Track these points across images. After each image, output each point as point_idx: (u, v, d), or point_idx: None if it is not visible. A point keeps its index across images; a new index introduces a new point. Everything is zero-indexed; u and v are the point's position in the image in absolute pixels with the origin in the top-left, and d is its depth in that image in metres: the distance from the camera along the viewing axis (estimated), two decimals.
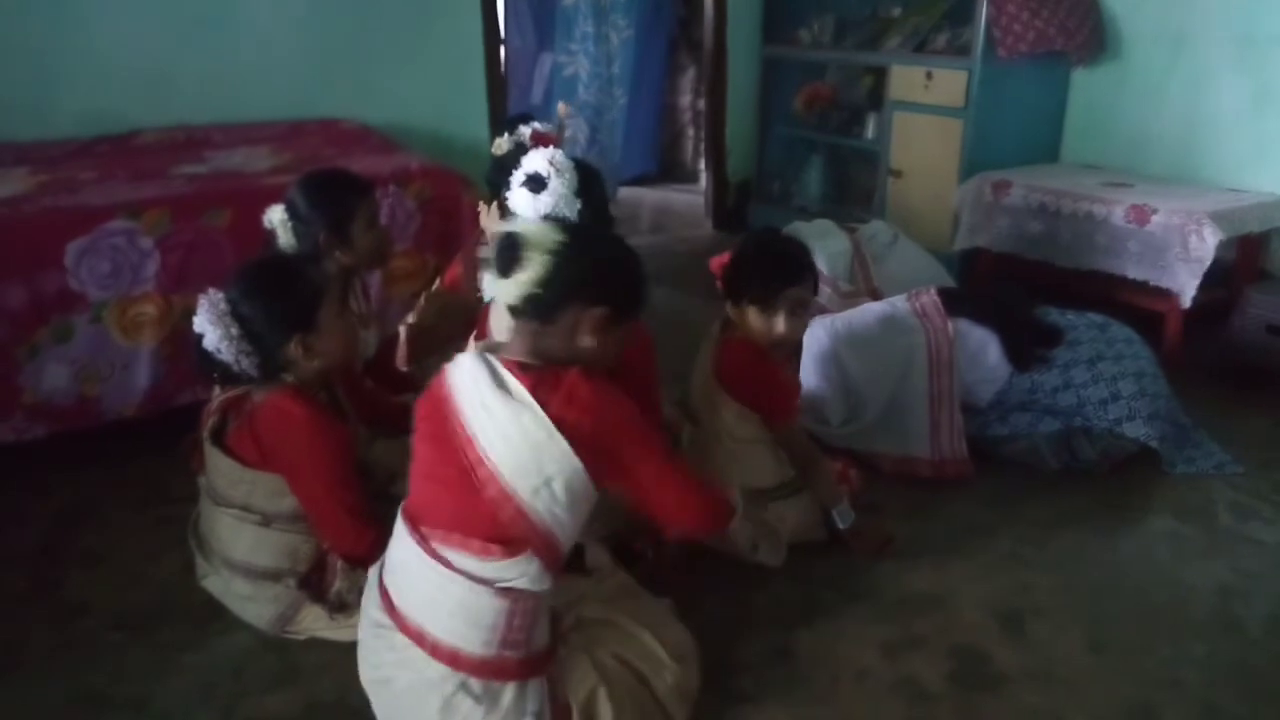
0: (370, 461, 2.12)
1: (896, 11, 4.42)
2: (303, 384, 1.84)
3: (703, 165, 5.54)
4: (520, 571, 1.46)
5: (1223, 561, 2.20)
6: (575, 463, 1.45)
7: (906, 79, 4.11)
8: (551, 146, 2.01)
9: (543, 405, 1.44)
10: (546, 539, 1.48)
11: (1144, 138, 3.83)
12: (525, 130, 2.45)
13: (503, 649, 1.47)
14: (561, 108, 2.06)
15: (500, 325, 1.92)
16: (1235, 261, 3.35)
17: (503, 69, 4.70)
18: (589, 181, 1.90)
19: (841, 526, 2.18)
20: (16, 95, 3.47)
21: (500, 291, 1.48)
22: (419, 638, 1.48)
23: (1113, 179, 3.64)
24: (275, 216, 2.20)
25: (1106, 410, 2.49)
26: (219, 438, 1.86)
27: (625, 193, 5.91)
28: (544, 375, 1.48)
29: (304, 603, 1.85)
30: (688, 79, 6.22)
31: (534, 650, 1.51)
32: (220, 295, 1.80)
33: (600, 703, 1.53)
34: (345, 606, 1.84)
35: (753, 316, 2.10)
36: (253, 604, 1.86)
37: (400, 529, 1.55)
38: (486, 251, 1.51)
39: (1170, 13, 3.65)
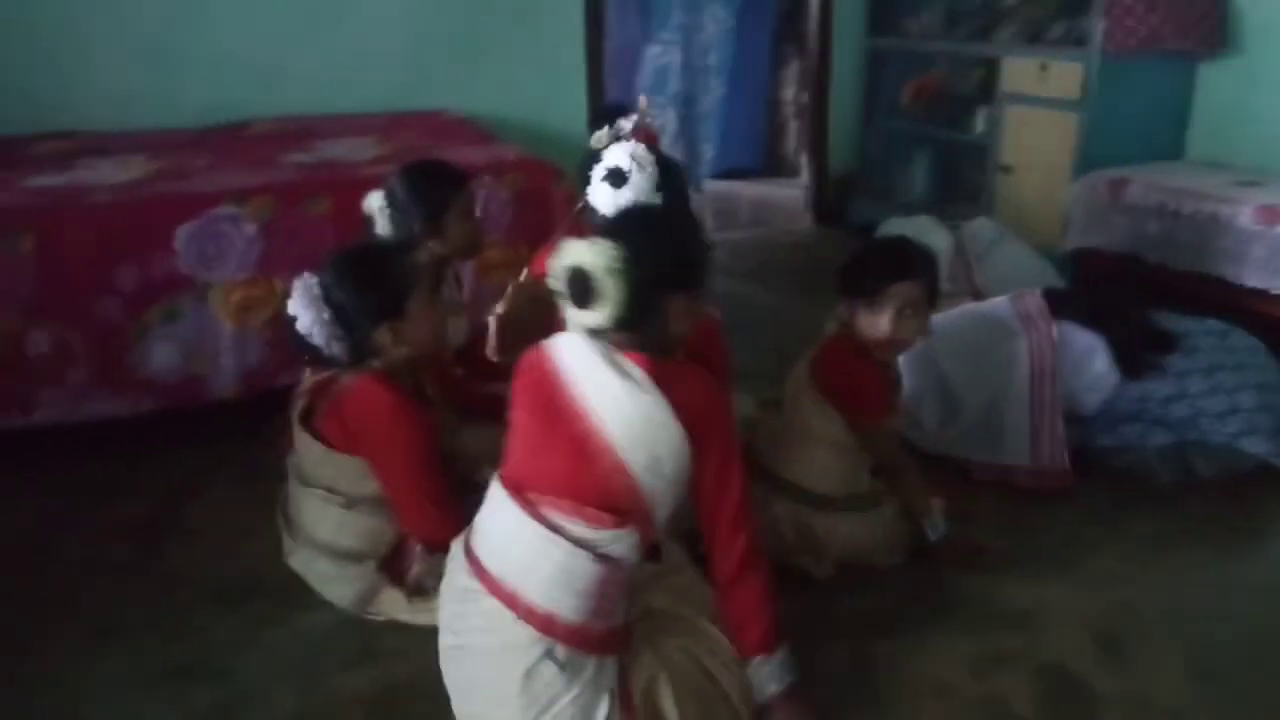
0: (455, 449, 2.14)
1: (1010, 1, 4.24)
2: (390, 370, 1.87)
3: (804, 159, 5.44)
4: (622, 542, 1.50)
5: None
6: (686, 447, 1.49)
7: (1020, 71, 3.95)
8: (651, 140, 1.98)
9: (664, 391, 1.49)
10: (648, 514, 1.52)
11: (1277, 135, 3.58)
12: (625, 125, 2.44)
13: (593, 618, 1.49)
14: (643, 100, 2.04)
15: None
16: None
17: (605, 60, 4.72)
18: (669, 175, 1.87)
19: (932, 538, 2.09)
20: (140, 87, 3.66)
21: (584, 321, 1.51)
22: (512, 600, 1.50)
23: (1242, 178, 3.42)
24: (374, 203, 2.25)
25: (1225, 423, 2.33)
26: (308, 420, 1.91)
27: (723, 186, 5.85)
28: (665, 366, 1.52)
29: (383, 585, 1.88)
30: (791, 71, 6.11)
31: (616, 624, 1.54)
32: (314, 279, 1.84)
33: (662, 691, 1.52)
34: (423, 591, 1.86)
35: (861, 315, 2.03)
36: (334, 584, 1.90)
37: (499, 495, 1.57)
38: (555, 284, 1.53)
39: None
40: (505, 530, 1.54)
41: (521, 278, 2.66)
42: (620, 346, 1.53)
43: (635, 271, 1.47)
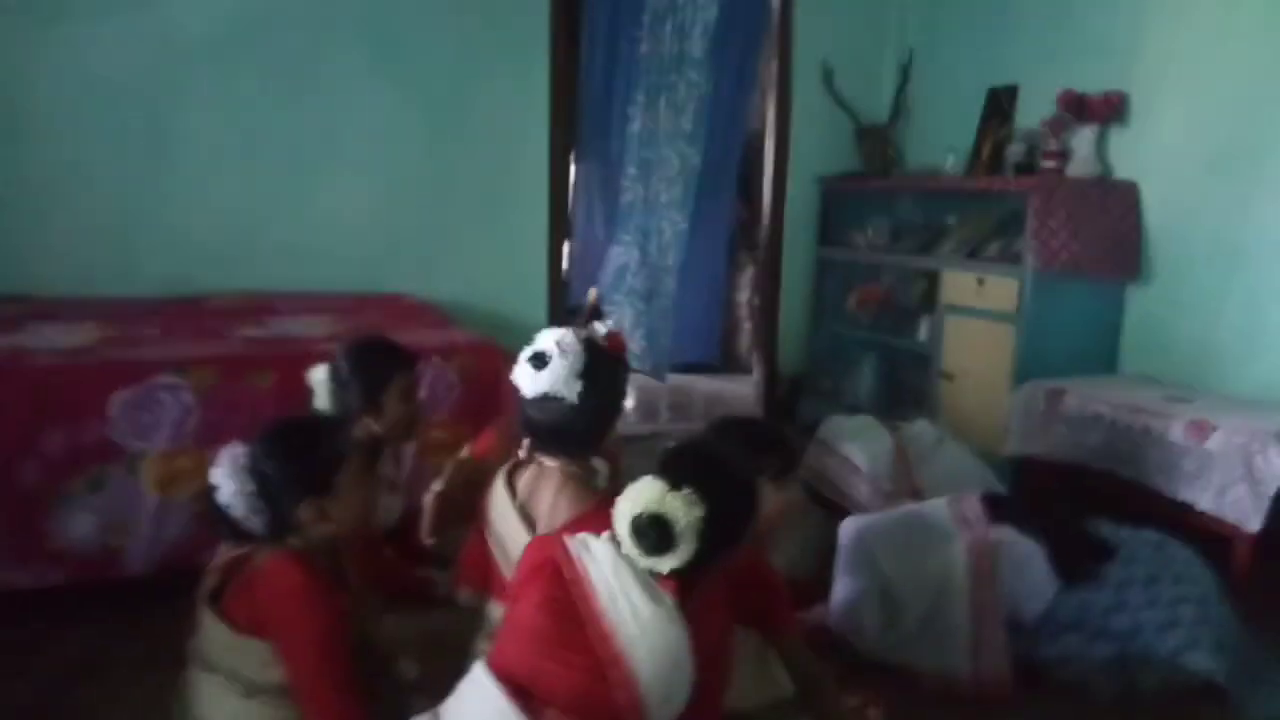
0: (374, 636, 2.04)
1: (951, 220, 4.51)
2: (309, 549, 1.80)
3: (756, 358, 5.58)
4: None
5: None
6: (689, 690, 1.45)
7: (959, 284, 4.14)
8: (619, 345, 2.03)
9: (687, 620, 1.44)
10: None
11: (1203, 353, 3.74)
12: (600, 328, 2.51)
13: None
14: (592, 293, 2.12)
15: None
16: None
17: (569, 258, 4.91)
18: (598, 368, 1.89)
19: None
20: (98, 257, 3.71)
21: (645, 564, 1.48)
22: None
23: (1172, 393, 3.54)
24: (317, 376, 2.25)
25: (1166, 637, 2.30)
26: (216, 599, 1.81)
27: (680, 380, 5.97)
28: (690, 596, 1.48)
29: None
30: (746, 276, 6.39)
31: None
32: (242, 450, 1.80)
33: None
34: None
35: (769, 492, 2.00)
36: None
37: (487, 691, 1.47)
38: (620, 527, 1.49)
39: (1225, 231, 3.64)
40: None
41: (462, 455, 2.65)
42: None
43: (713, 532, 1.44)
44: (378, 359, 2.30)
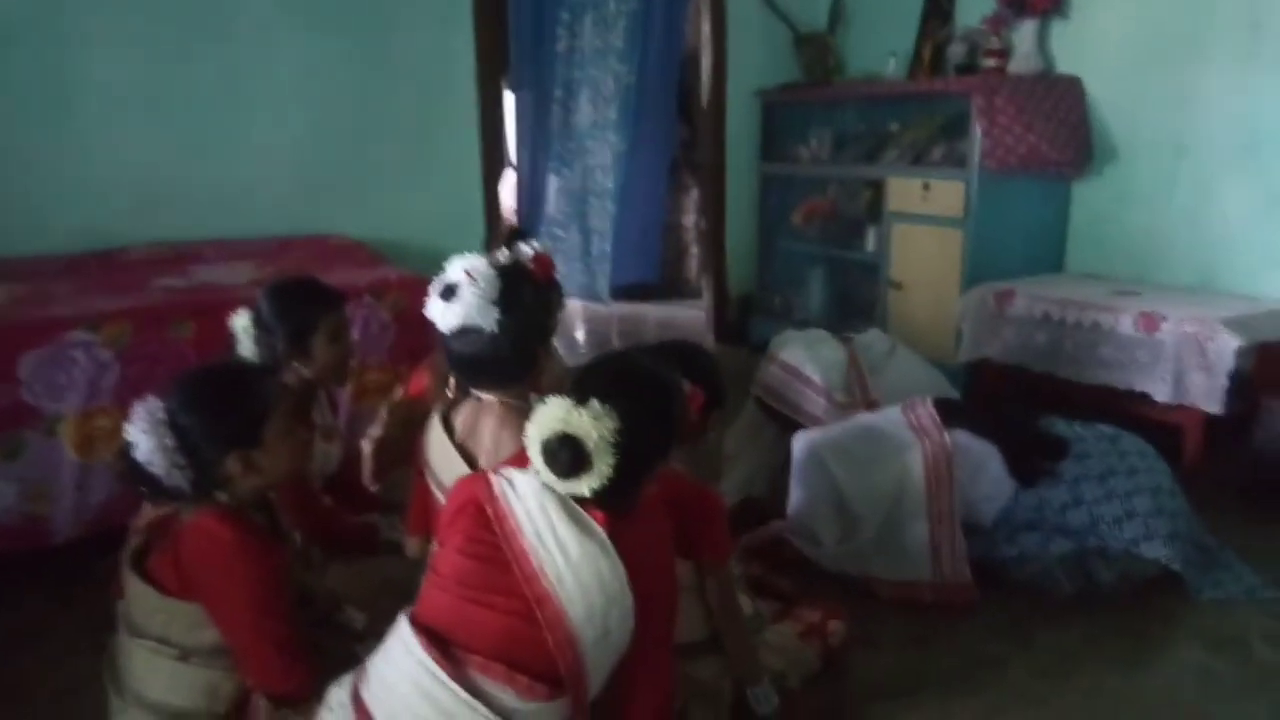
0: (316, 588, 1.96)
1: (894, 126, 4.42)
2: (238, 503, 1.70)
3: (705, 281, 5.50)
4: (552, 716, 1.36)
5: (1262, 701, 1.96)
6: (631, 621, 1.38)
7: (904, 190, 4.07)
8: (547, 265, 1.92)
9: (621, 552, 1.37)
10: (585, 687, 1.38)
11: (1150, 246, 3.73)
12: (525, 250, 2.39)
13: None
14: (510, 219, 2.00)
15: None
16: (1252, 371, 3.17)
17: (516, 189, 4.75)
18: (515, 292, 1.78)
19: (761, 713, 1.84)
20: (11, 213, 3.48)
21: (564, 489, 1.39)
22: None
23: (1120, 288, 3.52)
24: (239, 323, 2.12)
25: (1122, 529, 2.30)
26: (140, 561, 1.71)
27: (630, 308, 5.89)
28: (623, 523, 1.41)
29: None
30: (691, 199, 6.26)
31: None
32: (159, 403, 1.68)
33: None
34: None
35: None
36: None
37: (410, 642, 1.39)
38: (533, 454, 1.40)
39: (1168, 122, 3.60)
40: (412, 686, 1.36)
41: (396, 398, 2.54)
42: (580, 499, 1.41)
43: (632, 446, 1.36)
44: (302, 300, 2.16)
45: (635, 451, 1.38)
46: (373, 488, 2.52)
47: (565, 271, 4.88)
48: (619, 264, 4.81)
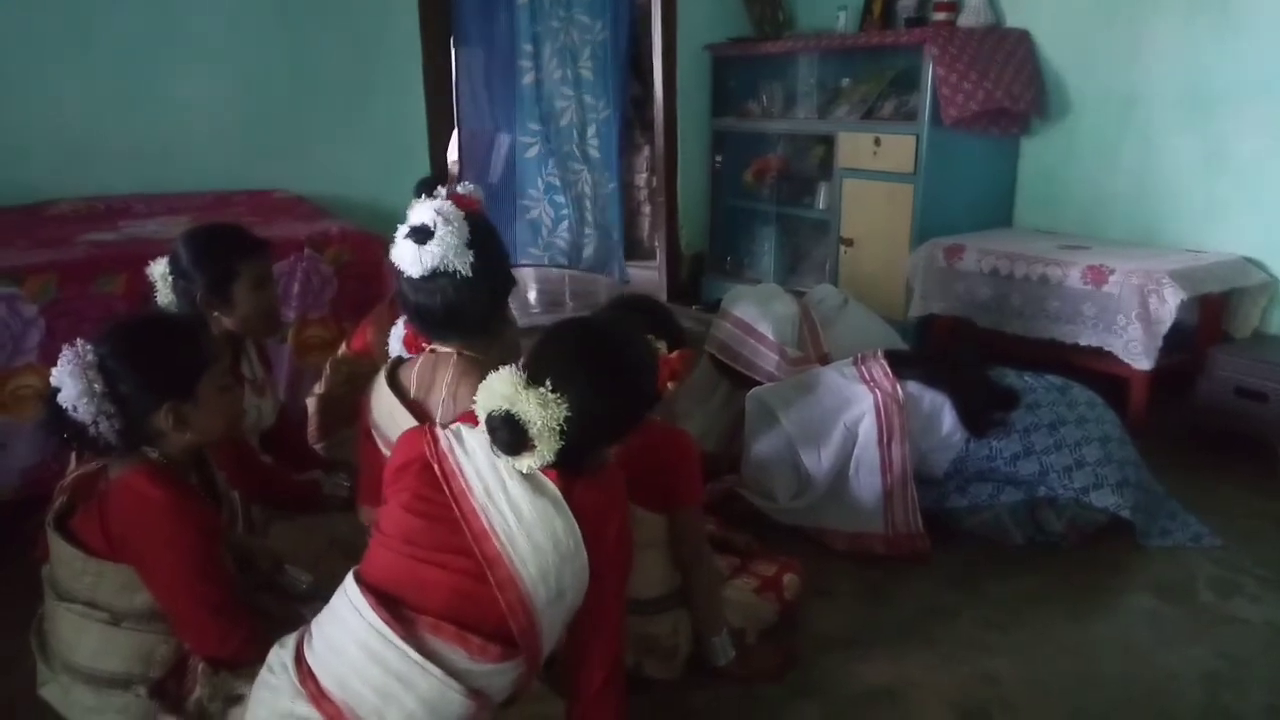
0: (256, 548, 1.89)
1: (845, 81, 4.38)
2: (169, 460, 1.61)
3: (657, 241, 5.44)
4: (505, 676, 1.32)
5: (1208, 644, 1.99)
6: (588, 575, 1.35)
7: (855, 146, 4.04)
8: (470, 206, 1.82)
9: (576, 511, 1.32)
10: (539, 647, 1.33)
11: (1097, 201, 3.75)
12: (443, 193, 2.30)
13: None
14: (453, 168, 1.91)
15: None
16: (1197, 323, 3.23)
17: (458, 148, 4.62)
18: (483, 235, 1.71)
19: (720, 663, 1.84)
20: None
21: (511, 463, 1.33)
22: None
23: (1067, 242, 3.54)
24: (157, 270, 2.02)
25: (1071, 478, 2.31)
26: (64, 521, 1.62)
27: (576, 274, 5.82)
28: (577, 481, 1.35)
29: (157, 714, 1.58)
30: (642, 158, 6.17)
31: None
32: (89, 346, 1.57)
33: None
34: (207, 717, 1.57)
35: None
36: (97, 716, 1.59)
37: (358, 602, 1.32)
38: (479, 416, 1.34)
39: (1118, 75, 3.61)
40: (360, 648, 1.30)
41: (340, 353, 2.46)
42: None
43: (579, 425, 1.29)
44: (223, 246, 2.05)
45: (587, 437, 1.33)
46: (318, 446, 2.45)
47: (546, 240, 4.82)
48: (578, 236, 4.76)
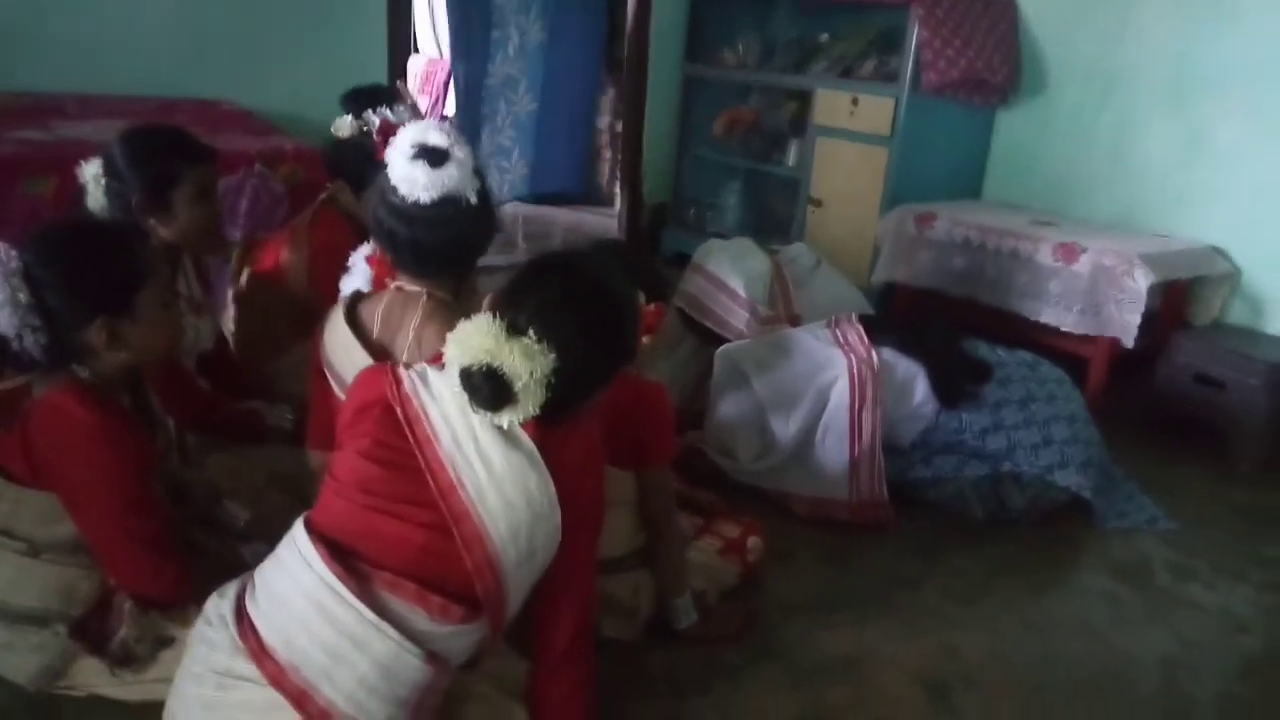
0: (192, 480, 1.76)
1: (824, 37, 4.26)
2: (100, 380, 1.47)
3: (618, 188, 5.30)
4: (466, 638, 1.23)
5: (1164, 628, 1.99)
6: (558, 539, 1.26)
7: (831, 104, 3.94)
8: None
9: (551, 466, 1.21)
10: (504, 608, 1.24)
11: (1069, 179, 3.73)
12: (374, 119, 2.15)
13: None
14: (400, 85, 1.77)
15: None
16: (1160, 309, 3.23)
17: (416, 77, 4.41)
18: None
19: (682, 625, 1.78)
20: None
21: (491, 419, 1.21)
22: (300, 698, 1.15)
23: (1037, 218, 3.51)
24: (89, 170, 1.83)
25: (1038, 455, 2.28)
26: None
27: (538, 210, 5.64)
28: (553, 433, 1.24)
29: (78, 654, 1.46)
30: (608, 99, 5.99)
31: None
32: (14, 252, 1.41)
33: None
34: (132, 659, 1.46)
35: None
36: (9, 653, 1.46)
37: (307, 553, 1.20)
38: (452, 374, 1.21)
39: (1101, 51, 3.56)
40: (309, 602, 1.18)
41: (244, 281, 2.27)
42: None
43: (565, 382, 1.18)
44: (164, 148, 1.86)
45: (575, 388, 1.22)
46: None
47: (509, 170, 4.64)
48: (541, 170, 4.56)
